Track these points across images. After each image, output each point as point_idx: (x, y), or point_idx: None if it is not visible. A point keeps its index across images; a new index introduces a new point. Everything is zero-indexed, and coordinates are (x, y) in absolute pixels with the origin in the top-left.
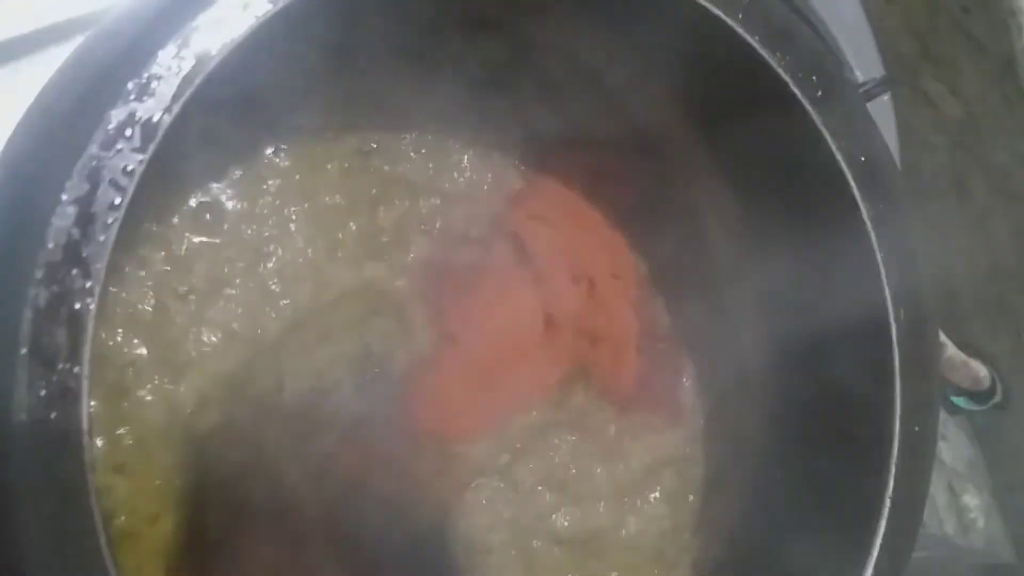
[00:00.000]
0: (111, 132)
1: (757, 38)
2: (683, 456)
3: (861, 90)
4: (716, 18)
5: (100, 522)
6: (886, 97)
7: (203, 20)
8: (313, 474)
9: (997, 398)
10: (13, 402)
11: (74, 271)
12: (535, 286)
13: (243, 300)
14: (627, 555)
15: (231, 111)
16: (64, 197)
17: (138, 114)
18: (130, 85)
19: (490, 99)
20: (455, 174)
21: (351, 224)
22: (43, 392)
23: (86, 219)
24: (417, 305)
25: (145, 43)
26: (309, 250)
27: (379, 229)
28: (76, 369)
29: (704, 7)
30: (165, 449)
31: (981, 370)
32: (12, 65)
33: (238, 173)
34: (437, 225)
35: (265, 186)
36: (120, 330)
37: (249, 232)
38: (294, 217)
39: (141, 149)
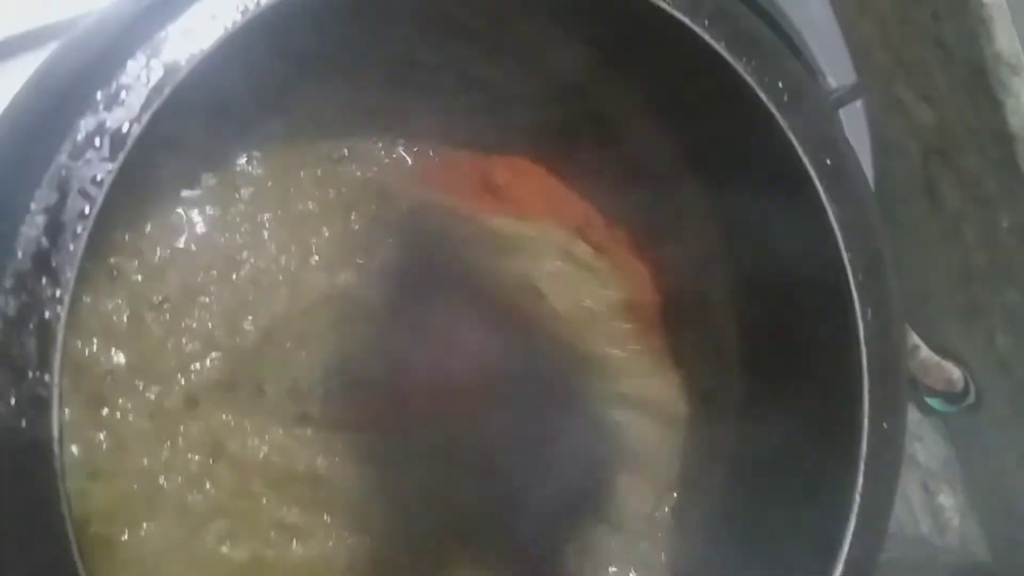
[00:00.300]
0: (80, 141)
1: (723, 43)
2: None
3: (833, 96)
4: (682, 24)
5: (71, 530)
6: (859, 103)
7: (172, 30)
8: None
9: (971, 399)
10: None
11: (43, 280)
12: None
13: (218, 308)
14: None
15: (202, 120)
16: (33, 206)
17: (107, 123)
18: (99, 95)
19: (460, 103)
20: (426, 177)
21: (324, 231)
22: (13, 401)
23: (55, 228)
24: (391, 310)
25: (114, 53)
26: (283, 257)
27: (352, 234)
28: (46, 377)
29: (669, 13)
30: (144, 453)
31: (955, 372)
32: None
33: (211, 181)
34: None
35: (238, 195)
36: (95, 340)
37: (223, 240)
38: (268, 224)
39: (110, 158)
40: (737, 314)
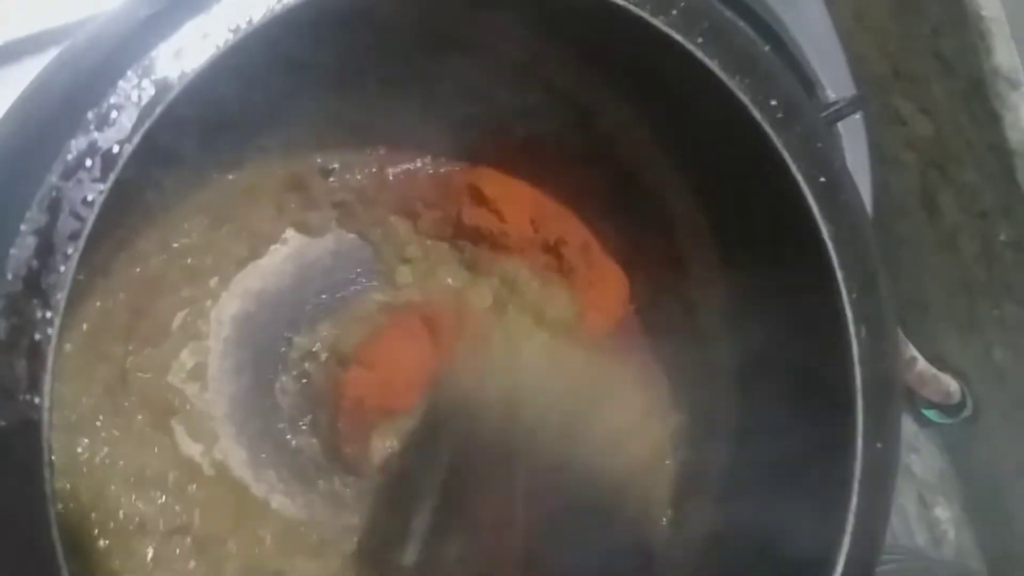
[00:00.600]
0: (71, 162)
1: (717, 62)
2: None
3: (832, 109)
4: (675, 42)
5: (61, 556)
6: (858, 116)
7: (164, 49)
8: None
9: (967, 412)
10: None
11: (34, 302)
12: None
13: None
14: None
15: (193, 137)
16: (24, 228)
17: (98, 144)
18: (90, 115)
19: (453, 115)
20: (416, 187)
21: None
22: (3, 423)
23: (46, 250)
24: None
25: (105, 72)
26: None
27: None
28: (36, 400)
29: (664, 32)
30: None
31: (952, 384)
32: None
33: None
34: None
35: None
36: None
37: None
38: None
39: (101, 179)
40: (729, 332)
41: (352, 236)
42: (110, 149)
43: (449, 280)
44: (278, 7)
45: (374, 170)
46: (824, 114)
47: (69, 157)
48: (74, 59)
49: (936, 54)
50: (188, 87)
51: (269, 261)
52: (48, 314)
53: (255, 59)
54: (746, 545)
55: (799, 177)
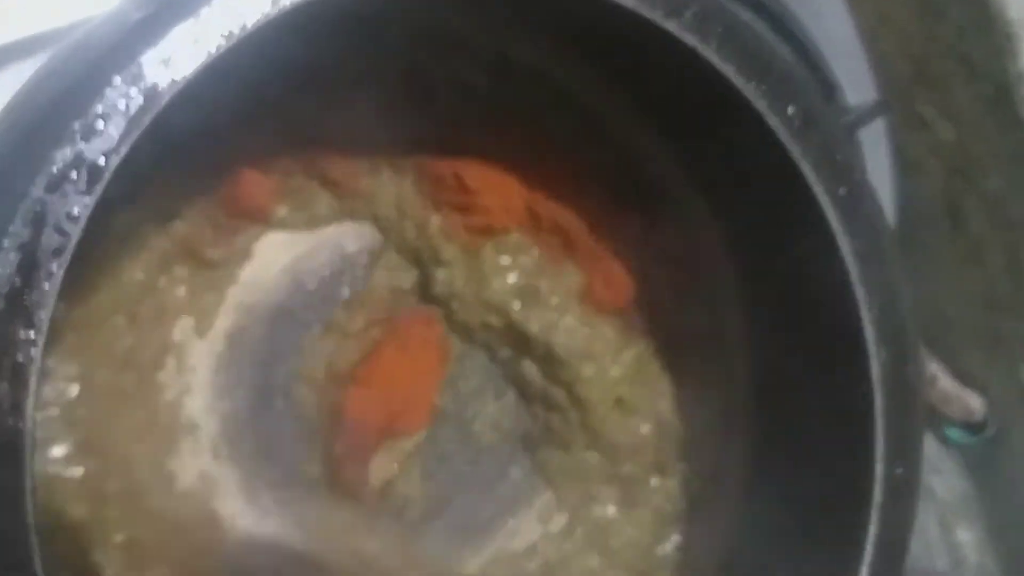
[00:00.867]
0: (56, 174)
1: (733, 68)
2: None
3: (854, 115)
4: (690, 48)
5: None
6: (880, 121)
7: (152, 56)
8: None
9: (991, 431)
10: None
11: (16, 321)
12: None
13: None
14: None
15: (186, 142)
16: (6, 243)
17: (84, 155)
18: (76, 124)
19: (449, 114)
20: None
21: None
22: None
23: (29, 266)
24: None
25: (92, 80)
26: None
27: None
28: (19, 424)
29: (678, 38)
30: None
31: (975, 401)
32: None
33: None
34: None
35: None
36: None
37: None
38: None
39: (87, 192)
40: (745, 349)
41: (349, 244)
42: (96, 160)
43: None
44: (272, 11)
45: (372, 172)
46: (845, 120)
47: (54, 169)
48: (61, 66)
49: (961, 57)
50: (176, 95)
51: (265, 274)
52: (31, 334)
53: (244, 65)
54: (759, 571)
55: (818, 189)
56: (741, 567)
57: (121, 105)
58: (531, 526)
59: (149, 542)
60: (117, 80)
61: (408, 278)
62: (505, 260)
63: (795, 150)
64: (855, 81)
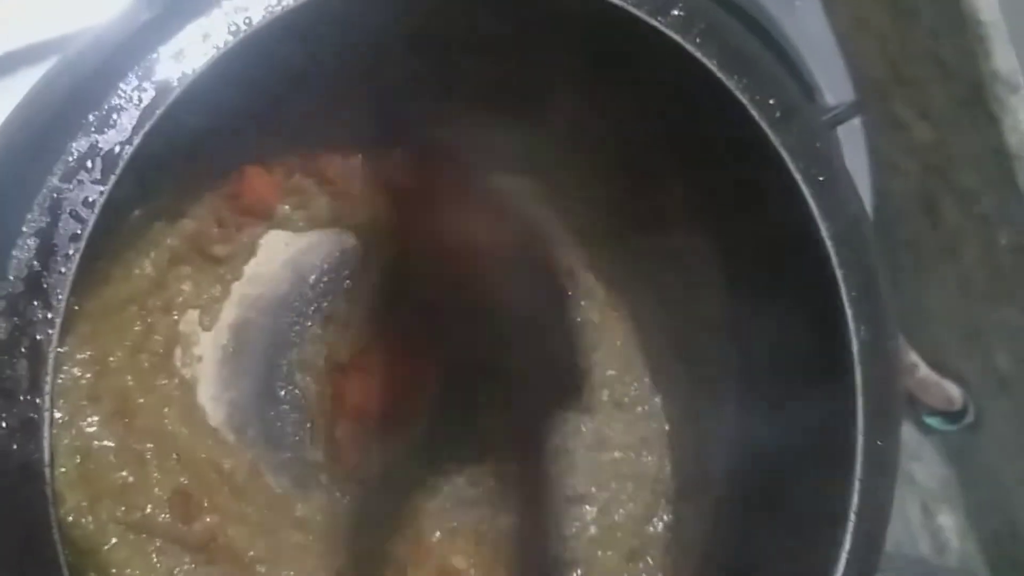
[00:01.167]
0: (72, 164)
1: (715, 62)
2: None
3: (831, 114)
4: (673, 42)
5: (62, 554)
6: (857, 121)
7: (164, 51)
8: None
9: (970, 418)
10: None
11: (35, 303)
12: None
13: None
14: None
15: (194, 138)
16: (25, 229)
17: (99, 145)
18: (91, 116)
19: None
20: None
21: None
22: (4, 424)
23: (47, 251)
24: None
25: (106, 74)
26: None
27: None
28: (37, 400)
29: (662, 32)
30: None
31: (954, 390)
32: None
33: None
34: None
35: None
36: None
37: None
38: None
39: (102, 180)
40: (730, 329)
41: (349, 238)
42: (111, 150)
43: None
44: (279, 8)
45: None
46: (824, 119)
47: (70, 159)
48: (76, 62)
49: (935, 58)
50: (187, 89)
51: (267, 268)
52: (49, 315)
53: (255, 60)
54: (744, 549)
55: (798, 176)
56: (728, 543)
57: (135, 98)
58: None
59: (194, 491)
60: (130, 74)
61: None
62: None
63: (776, 139)
64: (833, 82)
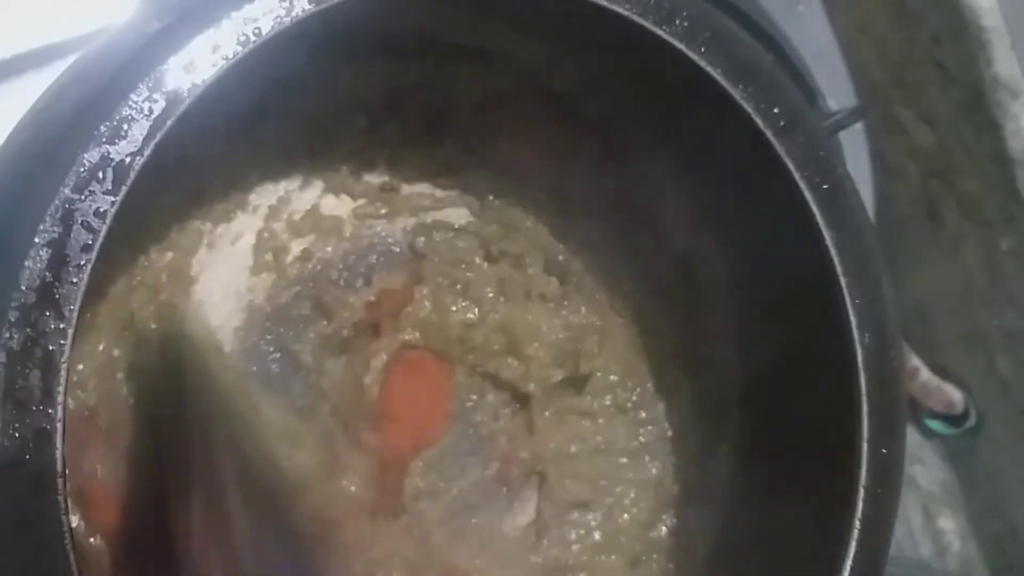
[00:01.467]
0: (83, 174)
1: (720, 71)
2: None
3: (833, 119)
4: (678, 51)
5: (74, 565)
6: (859, 126)
7: (174, 62)
8: None
9: (971, 422)
10: None
11: (47, 313)
12: None
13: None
14: None
15: (203, 149)
16: (37, 240)
17: (110, 156)
18: (102, 127)
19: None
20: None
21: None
22: (17, 435)
23: (59, 262)
24: None
25: (116, 85)
26: None
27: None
28: (50, 411)
29: (668, 42)
30: None
31: (955, 394)
32: None
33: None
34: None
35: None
36: None
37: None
38: None
39: (113, 191)
40: (734, 337)
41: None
42: (122, 161)
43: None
44: (287, 20)
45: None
46: (826, 124)
47: (82, 170)
48: (86, 72)
49: (937, 64)
50: (197, 100)
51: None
52: (61, 325)
53: (263, 71)
54: (748, 553)
55: (802, 184)
56: (731, 549)
57: (145, 109)
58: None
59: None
60: (140, 85)
61: None
62: None
63: (780, 148)
64: (835, 87)
